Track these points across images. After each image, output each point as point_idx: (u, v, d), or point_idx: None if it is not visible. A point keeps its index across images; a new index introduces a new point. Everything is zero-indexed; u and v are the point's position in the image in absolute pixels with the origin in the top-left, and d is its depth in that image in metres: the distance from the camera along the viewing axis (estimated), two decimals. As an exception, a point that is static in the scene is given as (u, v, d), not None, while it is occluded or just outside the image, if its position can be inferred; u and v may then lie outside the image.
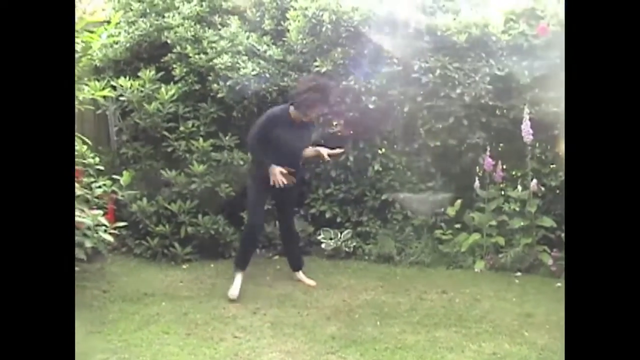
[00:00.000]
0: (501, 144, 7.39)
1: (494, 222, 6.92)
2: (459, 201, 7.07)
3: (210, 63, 7.48)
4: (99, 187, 6.36)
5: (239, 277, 6.11)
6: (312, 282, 6.45)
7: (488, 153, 6.92)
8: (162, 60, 7.73)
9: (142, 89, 7.43)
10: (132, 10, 8.03)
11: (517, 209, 6.85)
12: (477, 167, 7.14)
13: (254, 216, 6.24)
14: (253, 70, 7.43)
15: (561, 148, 6.24)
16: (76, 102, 5.86)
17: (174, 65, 7.60)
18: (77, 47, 5.75)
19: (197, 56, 7.53)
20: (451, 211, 7.09)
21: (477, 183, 6.99)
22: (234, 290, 5.99)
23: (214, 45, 7.63)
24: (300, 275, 6.57)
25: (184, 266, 7.11)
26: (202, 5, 8.05)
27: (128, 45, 7.81)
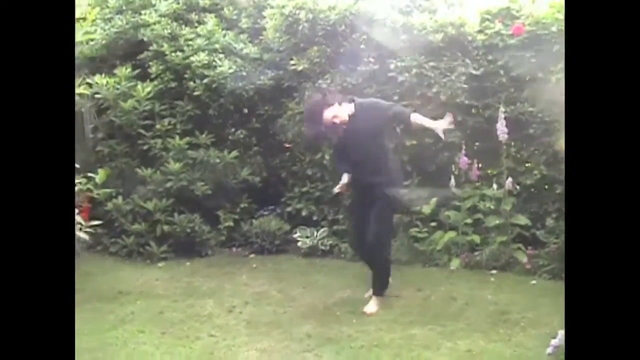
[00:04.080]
0: (477, 143, 7.42)
1: (469, 220, 6.94)
2: (434, 199, 7.08)
3: (187, 61, 7.47)
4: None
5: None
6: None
7: (464, 152, 6.94)
8: (138, 58, 7.71)
9: (118, 87, 7.39)
10: (108, 7, 7.98)
11: (493, 207, 6.88)
12: (453, 166, 7.16)
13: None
14: (230, 68, 7.43)
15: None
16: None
17: (151, 63, 7.58)
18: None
19: (173, 54, 7.50)
20: (427, 209, 7.11)
21: (452, 181, 6.99)
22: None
23: (190, 43, 7.61)
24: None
25: (160, 265, 7.09)
26: (179, 3, 8.03)
27: (104, 42, 7.77)
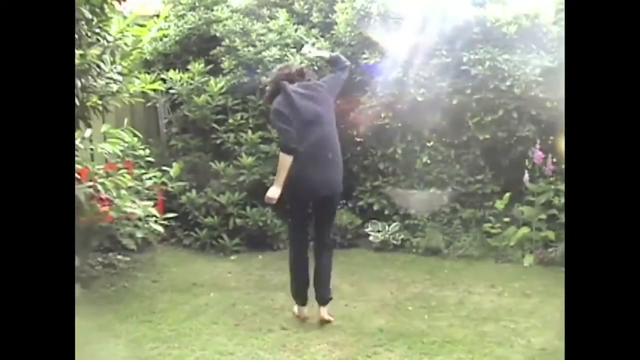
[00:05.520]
0: (551, 137, 7.27)
1: (543, 216, 6.81)
2: (507, 194, 6.99)
3: (259, 56, 7.52)
4: (149, 178, 6.47)
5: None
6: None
7: (538, 146, 6.83)
8: (211, 53, 7.80)
9: (192, 82, 7.51)
10: (181, 3, 8.12)
11: (568, 202, 6.74)
12: (527, 160, 7.03)
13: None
14: (301, 63, 7.44)
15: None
16: (127, 95, 5.96)
17: (223, 58, 7.67)
18: (128, 41, 5.83)
19: (245, 49, 7.57)
20: (500, 204, 7.01)
21: (526, 176, 6.88)
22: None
23: (262, 38, 7.67)
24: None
25: (232, 257, 7.17)
26: (250, -2, 8.10)
27: (177, 38, 7.90)
